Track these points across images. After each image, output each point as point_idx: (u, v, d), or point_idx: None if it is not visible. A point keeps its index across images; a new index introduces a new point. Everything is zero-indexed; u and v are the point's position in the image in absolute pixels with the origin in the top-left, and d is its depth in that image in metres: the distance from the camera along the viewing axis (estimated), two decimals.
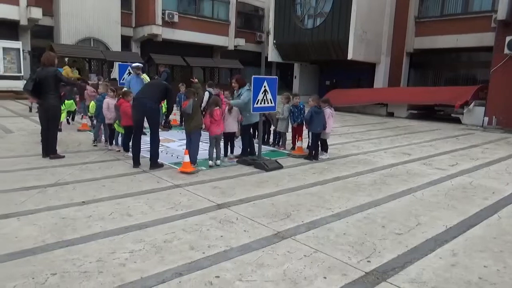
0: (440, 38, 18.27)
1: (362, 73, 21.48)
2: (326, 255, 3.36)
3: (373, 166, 7.08)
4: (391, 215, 4.47)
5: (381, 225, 4.15)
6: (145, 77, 9.56)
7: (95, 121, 9.20)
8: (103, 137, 8.01)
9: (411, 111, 17.04)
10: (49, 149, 6.65)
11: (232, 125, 7.08)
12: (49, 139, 6.69)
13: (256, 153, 7.03)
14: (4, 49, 17.47)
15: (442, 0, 18.64)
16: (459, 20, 17.76)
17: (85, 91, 10.39)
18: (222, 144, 6.97)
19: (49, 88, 6.49)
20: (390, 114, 17.56)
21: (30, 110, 12.64)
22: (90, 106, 9.86)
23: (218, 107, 6.60)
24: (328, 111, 7.56)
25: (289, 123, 8.29)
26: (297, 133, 8.16)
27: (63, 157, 6.65)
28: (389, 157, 8.02)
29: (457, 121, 15.24)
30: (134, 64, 9.91)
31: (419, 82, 20.38)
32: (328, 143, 7.87)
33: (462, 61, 19.88)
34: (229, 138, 7.29)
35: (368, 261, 3.29)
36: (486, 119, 14.15)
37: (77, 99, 10.97)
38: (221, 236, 3.70)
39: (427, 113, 17.00)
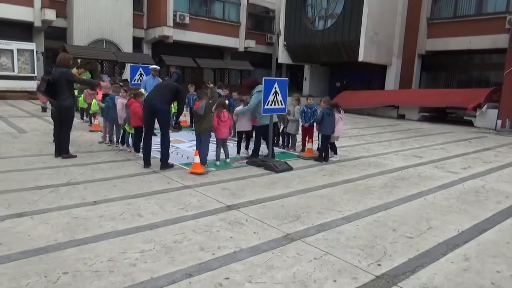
0: (453, 40, 18.05)
1: (373, 75, 21.33)
2: (336, 258, 3.35)
3: (383, 168, 7.03)
4: (402, 218, 4.43)
5: (391, 228, 4.11)
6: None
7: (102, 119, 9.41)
8: (114, 138, 8.08)
9: (423, 114, 16.86)
10: (62, 149, 6.73)
11: (245, 124, 7.24)
12: (61, 139, 6.77)
13: (273, 155, 7.19)
14: (18, 50, 17.79)
15: (455, 1, 18.43)
16: (472, 21, 17.53)
17: (85, 90, 10.71)
18: (233, 143, 7.05)
19: (62, 89, 6.56)
20: (401, 116, 17.42)
21: (43, 110, 12.82)
22: (92, 105, 10.27)
23: (225, 109, 6.70)
24: (336, 115, 7.53)
25: (299, 124, 8.29)
26: (307, 135, 8.14)
27: (75, 156, 6.73)
28: (400, 159, 7.95)
29: (470, 124, 15.04)
30: (152, 66, 10.03)
31: (430, 84, 20.16)
32: (336, 145, 7.83)
33: (475, 63, 19.62)
34: (244, 136, 7.54)
35: (379, 265, 3.26)
36: (499, 122, 13.95)
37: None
38: (231, 237, 3.71)
39: (439, 115, 16.81)
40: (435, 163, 7.75)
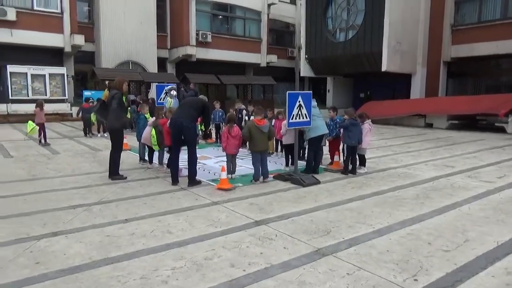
0: (479, 45, 17.66)
1: (397, 84, 21.05)
2: (370, 273, 3.26)
3: (414, 179, 6.85)
4: (436, 231, 4.29)
5: (426, 241, 3.98)
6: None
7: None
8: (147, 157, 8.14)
9: (452, 122, 16.42)
10: (111, 170, 6.76)
11: (288, 138, 7.41)
12: (110, 161, 6.77)
13: (316, 170, 7.26)
14: (50, 75, 18.67)
15: (479, 6, 18.08)
16: (498, 25, 17.13)
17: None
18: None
19: (112, 110, 6.57)
20: (429, 125, 17.02)
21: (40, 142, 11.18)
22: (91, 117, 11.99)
23: (235, 124, 6.93)
24: (366, 126, 7.42)
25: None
26: (334, 148, 8.04)
27: (125, 178, 6.70)
28: (430, 170, 7.74)
29: (502, 130, 14.52)
30: (167, 87, 10.31)
31: (457, 91, 19.71)
32: (365, 157, 7.72)
33: (503, 68, 19.06)
34: (289, 149, 7.73)
35: (415, 280, 3.15)
36: None
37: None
38: (261, 253, 3.68)
39: (468, 123, 16.33)
40: (468, 172, 7.50)
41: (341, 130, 7.56)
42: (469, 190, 6.12)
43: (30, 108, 13.71)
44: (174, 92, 11.09)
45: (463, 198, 5.62)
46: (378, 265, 3.42)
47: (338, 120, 8.00)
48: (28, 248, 3.75)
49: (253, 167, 6.74)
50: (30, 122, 10.58)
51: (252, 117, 9.80)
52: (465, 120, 16.32)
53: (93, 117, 12.39)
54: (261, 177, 6.67)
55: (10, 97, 17.72)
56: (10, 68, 17.68)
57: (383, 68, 18.23)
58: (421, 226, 4.45)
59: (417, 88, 19.80)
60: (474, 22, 18.24)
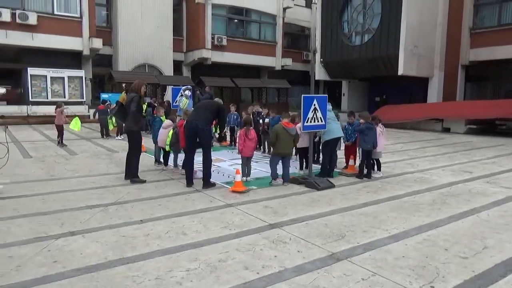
0: (499, 48, 17.30)
1: (414, 88, 20.76)
2: (385, 279, 3.22)
3: (430, 184, 6.75)
4: (454, 237, 4.21)
5: (443, 247, 3.91)
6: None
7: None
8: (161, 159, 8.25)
9: (470, 126, 16.12)
10: (130, 172, 6.78)
11: (303, 141, 7.35)
12: (129, 163, 6.79)
13: (331, 174, 7.21)
14: (69, 77, 19.09)
15: (499, 9, 17.73)
16: None
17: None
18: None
19: (131, 112, 6.68)
20: (446, 130, 16.74)
21: (59, 143, 11.27)
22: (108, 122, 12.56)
23: (252, 127, 6.94)
24: (378, 129, 7.35)
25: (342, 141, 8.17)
26: (349, 152, 7.98)
27: (144, 181, 6.71)
28: (448, 175, 7.61)
29: None
30: (183, 88, 10.42)
31: (476, 96, 19.32)
32: (380, 161, 7.64)
33: None
34: (303, 153, 7.71)
35: (432, 287, 3.10)
36: None
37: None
38: (275, 256, 3.67)
39: (487, 127, 15.99)
40: (487, 178, 7.34)
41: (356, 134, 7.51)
42: (488, 196, 5.99)
43: (49, 110, 14.04)
44: (188, 93, 11.18)
45: (481, 204, 5.50)
46: (394, 271, 3.37)
47: (356, 124, 7.95)
48: (46, 247, 3.82)
49: (269, 170, 6.76)
50: (77, 118, 11.24)
51: (266, 120, 9.86)
52: (483, 125, 16.02)
53: (110, 123, 12.66)
54: (281, 180, 6.69)
55: (30, 99, 18.19)
56: (31, 71, 18.17)
57: (400, 72, 18.02)
58: (438, 232, 4.38)
59: (434, 92, 19.51)
60: (494, 25, 17.89)
